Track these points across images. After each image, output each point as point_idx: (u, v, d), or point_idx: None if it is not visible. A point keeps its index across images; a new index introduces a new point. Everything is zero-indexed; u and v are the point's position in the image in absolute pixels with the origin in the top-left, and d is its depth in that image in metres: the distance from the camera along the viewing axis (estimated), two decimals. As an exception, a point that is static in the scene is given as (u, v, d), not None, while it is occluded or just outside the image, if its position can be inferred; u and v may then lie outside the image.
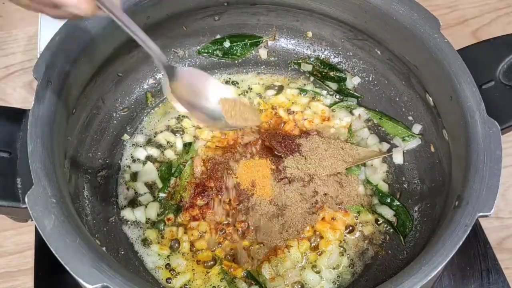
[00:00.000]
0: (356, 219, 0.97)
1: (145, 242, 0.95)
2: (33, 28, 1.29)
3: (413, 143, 1.03)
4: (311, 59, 1.15)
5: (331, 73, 1.13)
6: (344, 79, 1.12)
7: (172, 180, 1.00)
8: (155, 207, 0.98)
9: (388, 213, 0.98)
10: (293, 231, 0.94)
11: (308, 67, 1.14)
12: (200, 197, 0.97)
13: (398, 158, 1.04)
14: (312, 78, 1.14)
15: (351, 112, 1.10)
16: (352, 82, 1.12)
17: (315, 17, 1.08)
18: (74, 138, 0.94)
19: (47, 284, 0.97)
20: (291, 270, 0.92)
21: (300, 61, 1.15)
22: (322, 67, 1.14)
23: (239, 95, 1.12)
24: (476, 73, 0.84)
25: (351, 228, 0.97)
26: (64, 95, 0.83)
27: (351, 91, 1.11)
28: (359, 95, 1.11)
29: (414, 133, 1.03)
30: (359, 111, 1.09)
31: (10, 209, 0.78)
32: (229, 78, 1.15)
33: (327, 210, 0.96)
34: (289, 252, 0.93)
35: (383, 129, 1.08)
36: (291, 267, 0.93)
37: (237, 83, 1.14)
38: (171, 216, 0.96)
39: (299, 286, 0.91)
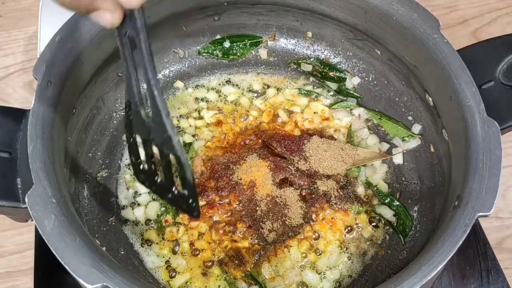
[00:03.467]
0: (356, 220, 0.97)
1: (145, 242, 0.95)
2: (33, 28, 1.29)
3: (413, 143, 1.03)
4: (311, 59, 1.15)
5: (331, 73, 1.13)
6: (344, 79, 1.12)
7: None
8: (155, 207, 0.98)
9: (388, 213, 0.98)
10: (293, 231, 0.94)
11: (308, 67, 1.14)
12: (200, 197, 0.97)
13: (398, 158, 1.04)
14: (312, 78, 1.14)
15: (351, 112, 1.10)
16: (352, 82, 1.12)
17: (315, 17, 1.08)
18: (74, 138, 0.94)
19: (47, 284, 0.97)
20: (291, 270, 0.92)
21: (300, 61, 1.15)
22: (322, 67, 1.14)
23: (239, 95, 1.13)
24: (476, 73, 0.84)
25: (350, 228, 0.97)
26: (64, 95, 0.83)
27: (351, 91, 1.11)
28: (359, 95, 1.11)
29: (414, 133, 1.03)
30: (359, 111, 1.09)
31: (10, 209, 0.78)
32: (229, 78, 1.15)
33: (327, 211, 0.96)
34: (289, 252, 0.93)
35: (383, 129, 1.08)
36: (291, 267, 0.93)
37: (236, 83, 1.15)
38: (168, 217, 0.96)
39: (299, 286, 0.92)
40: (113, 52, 0.96)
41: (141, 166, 0.78)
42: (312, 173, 0.98)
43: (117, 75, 1.04)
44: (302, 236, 0.95)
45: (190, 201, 0.71)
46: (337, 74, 1.13)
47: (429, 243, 0.75)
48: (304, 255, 0.94)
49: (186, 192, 0.71)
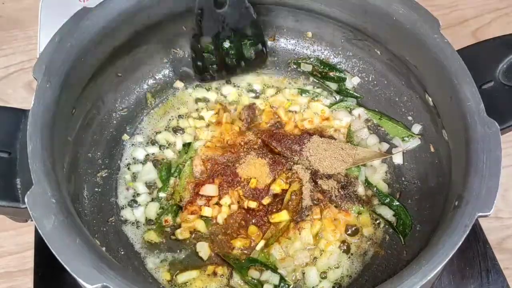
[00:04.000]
0: (357, 220, 0.97)
1: (145, 242, 0.95)
2: (33, 28, 1.29)
3: (413, 143, 1.03)
4: (311, 59, 1.15)
5: (331, 73, 1.13)
6: (344, 79, 1.12)
7: (172, 180, 1.00)
8: (155, 207, 0.98)
9: (387, 213, 0.98)
10: (303, 212, 0.96)
11: (308, 67, 1.14)
12: (200, 197, 0.97)
13: (397, 158, 1.04)
14: (312, 78, 1.14)
15: (350, 112, 1.10)
16: (352, 82, 1.12)
17: (315, 17, 1.08)
18: (74, 138, 0.94)
19: (47, 284, 0.97)
20: (301, 251, 0.93)
21: (300, 61, 1.15)
22: (321, 67, 1.14)
23: (239, 95, 1.13)
24: (476, 73, 0.84)
25: (353, 229, 0.96)
26: (64, 95, 0.83)
27: (350, 91, 1.11)
28: (358, 95, 1.11)
29: (414, 133, 1.03)
30: (359, 111, 1.09)
31: (10, 209, 0.78)
32: (229, 78, 1.15)
33: (329, 210, 0.96)
34: (299, 234, 0.94)
35: (383, 129, 1.08)
36: (301, 248, 0.93)
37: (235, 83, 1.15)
38: (168, 218, 0.96)
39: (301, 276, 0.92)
40: (113, 52, 0.96)
41: (207, 66, 1.07)
42: (313, 172, 0.98)
43: (117, 75, 1.04)
44: (314, 217, 0.95)
45: (263, 50, 1.08)
46: (337, 74, 1.13)
47: (429, 243, 0.75)
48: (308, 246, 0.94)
49: (259, 45, 1.06)
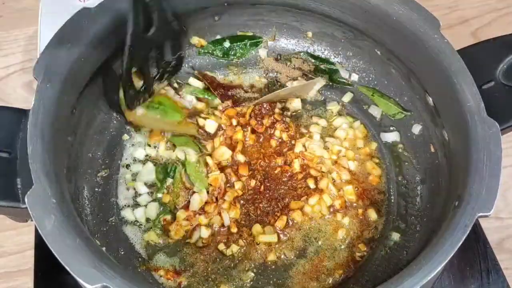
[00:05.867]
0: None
1: (145, 242, 0.95)
2: (33, 28, 1.29)
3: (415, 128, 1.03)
4: (301, 54, 1.14)
5: (322, 66, 1.13)
6: (335, 71, 1.12)
7: (169, 181, 1.00)
8: (155, 207, 0.98)
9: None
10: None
11: (299, 62, 1.14)
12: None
13: (393, 135, 1.06)
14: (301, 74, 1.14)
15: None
16: (349, 75, 1.12)
17: (315, 17, 1.08)
18: (74, 138, 0.94)
19: (47, 284, 0.97)
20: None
21: (290, 57, 1.15)
22: (313, 61, 1.13)
23: (239, 95, 1.13)
24: (476, 73, 0.84)
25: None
26: (64, 95, 0.83)
27: (342, 81, 1.11)
28: (350, 83, 1.11)
29: (405, 110, 1.04)
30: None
31: (10, 209, 0.78)
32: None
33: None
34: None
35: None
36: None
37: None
38: (167, 217, 0.96)
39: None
40: (113, 52, 0.96)
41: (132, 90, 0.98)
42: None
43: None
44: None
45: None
46: (328, 66, 1.13)
47: (429, 243, 0.75)
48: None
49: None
